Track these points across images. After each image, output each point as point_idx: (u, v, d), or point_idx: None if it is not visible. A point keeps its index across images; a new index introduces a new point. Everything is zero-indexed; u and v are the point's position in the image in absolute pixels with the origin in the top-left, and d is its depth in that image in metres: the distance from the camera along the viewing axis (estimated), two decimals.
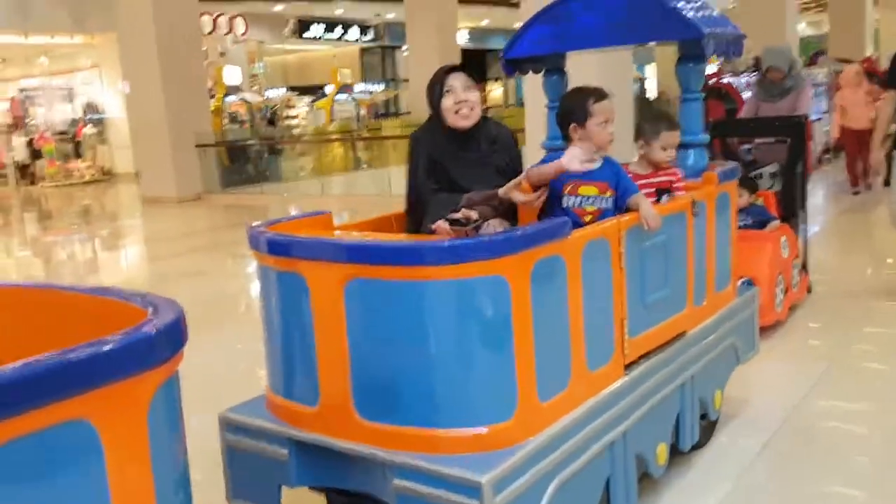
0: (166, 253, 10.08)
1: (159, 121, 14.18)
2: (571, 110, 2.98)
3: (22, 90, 22.12)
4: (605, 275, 2.70)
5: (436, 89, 3.00)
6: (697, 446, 3.34)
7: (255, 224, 2.62)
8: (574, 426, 2.50)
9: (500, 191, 2.84)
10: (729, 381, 3.62)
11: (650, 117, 3.43)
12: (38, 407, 1.26)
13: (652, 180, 3.29)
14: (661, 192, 3.25)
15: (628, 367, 2.82)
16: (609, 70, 8.76)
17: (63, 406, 1.29)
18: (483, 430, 2.31)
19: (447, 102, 2.98)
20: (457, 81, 2.99)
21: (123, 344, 1.39)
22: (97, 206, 16.41)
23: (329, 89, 22.57)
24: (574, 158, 2.67)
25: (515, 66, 3.73)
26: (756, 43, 9.43)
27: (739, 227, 5.09)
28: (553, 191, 2.86)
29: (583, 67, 4.23)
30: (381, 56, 28.25)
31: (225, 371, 4.84)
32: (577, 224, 2.75)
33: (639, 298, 2.86)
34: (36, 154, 20.23)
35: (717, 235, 3.41)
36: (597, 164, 2.88)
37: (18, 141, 20.73)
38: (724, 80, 12.21)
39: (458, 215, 2.74)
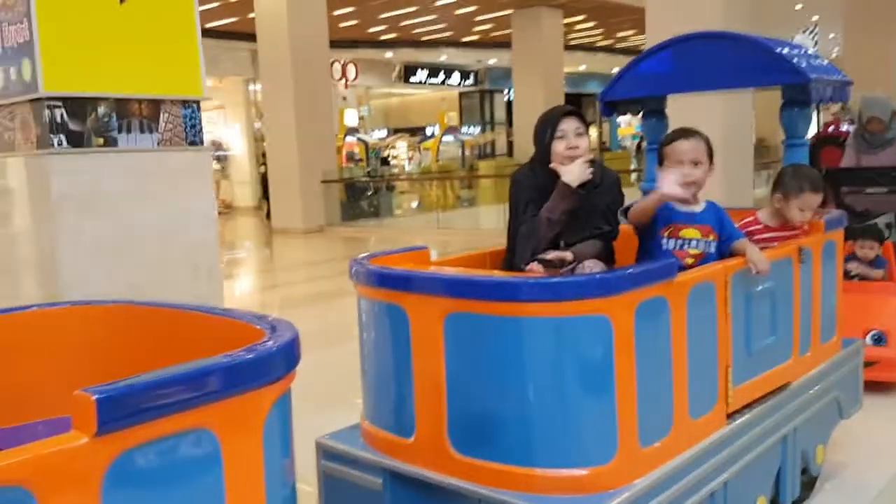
0: (296, 279, 11.07)
1: (292, 159, 15.34)
2: (656, 155, 2.96)
3: None
4: (711, 319, 2.65)
5: (547, 131, 2.97)
6: (797, 502, 3.23)
7: (357, 257, 2.66)
8: (675, 474, 2.44)
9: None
10: (835, 437, 3.49)
11: (795, 173, 3.33)
12: (165, 414, 1.36)
13: (778, 234, 3.23)
14: None
15: (731, 416, 2.75)
16: (731, 112, 8.40)
17: (188, 415, 1.39)
18: (581, 472, 2.27)
19: (559, 147, 2.94)
20: (570, 126, 2.94)
21: (244, 360, 1.48)
22: (230, 235, 17.49)
23: (435, 130, 24.36)
24: (672, 183, 2.64)
25: (614, 107, 3.72)
26: (861, 91, 9.24)
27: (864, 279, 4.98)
28: (650, 233, 2.83)
29: (706, 109, 4.16)
30: (479, 99, 29.26)
31: (324, 391, 4.85)
32: (679, 268, 2.71)
33: (744, 346, 2.79)
34: None
35: (823, 284, 3.31)
36: (699, 207, 2.83)
37: None
38: (843, 129, 11.92)
39: (550, 256, 2.73)
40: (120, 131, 4.28)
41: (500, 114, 28.32)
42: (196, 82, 4.56)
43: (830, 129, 11.55)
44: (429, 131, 25.11)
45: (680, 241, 2.80)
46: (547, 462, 2.28)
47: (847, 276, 5.04)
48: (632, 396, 2.32)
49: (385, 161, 22.68)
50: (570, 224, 2.90)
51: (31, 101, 4.12)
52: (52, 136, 4.14)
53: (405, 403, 2.48)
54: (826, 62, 3.56)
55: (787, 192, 3.20)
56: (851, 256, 5.14)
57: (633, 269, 2.42)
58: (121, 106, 4.26)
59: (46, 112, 4.12)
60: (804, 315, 3.15)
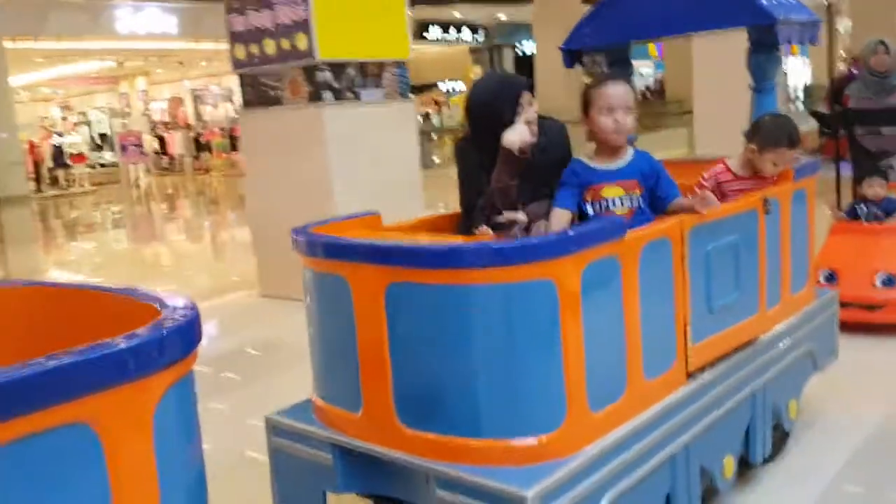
0: None
1: None
2: (582, 103, 2.85)
3: (193, 90, 23.79)
4: (666, 278, 2.60)
5: (506, 108, 2.87)
6: (770, 459, 3.22)
7: (298, 227, 2.61)
8: (630, 437, 2.41)
9: None
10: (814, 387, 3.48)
11: (775, 125, 3.26)
12: (31, 411, 1.23)
13: (749, 184, 3.17)
14: None
15: (692, 375, 2.73)
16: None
17: (61, 409, 1.26)
18: (529, 440, 2.23)
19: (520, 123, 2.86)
20: (526, 98, 2.89)
21: (124, 347, 1.34)
22: None
23: (456, 86, 27.12)
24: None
25: (577, 57, 3.65)
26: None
27: (871, 221, 4.95)
28: (570, 192, 2.77)
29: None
30: (489, 55, 29.51)
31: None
32: None
33: (704, 303, 2.75)
34: (200, 147, 21.91)
35: (792, 235, 3.26)
36: (621, 162, 2.76)
37: (178, 136, 22.82)
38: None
39: (503, 218, 2.68)
40: (362, 87, 6.60)
41: (508, 68, 29.28)
42: (404, 47, 6.93)
43: (854, 71, 11.47)
44: (442, 87, 26.94)
45: (604, 202, 2.73)
46: (494, 432, 2.24)
47: (856, 216, 5.02)
48: (579, 361, 2.27)
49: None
50: (522, 185, 2.84)
51: (304, 66, 6.41)
52: (322, 92, 6.42)
53: (351, 378, 2.44)
54: (795, 0, 3.47)
55: (764, 144, 3.14)
56: (861, 200, 5.11)
57: (580, 229, 2.36)
58: (361, 67, 6.57)
59: (318, 74, 6.40)
60: (771, 268, 3.10)
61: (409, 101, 7.07)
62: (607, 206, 2.73)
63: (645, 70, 34.18)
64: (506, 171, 2.75)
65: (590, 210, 2.75)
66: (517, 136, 2.74)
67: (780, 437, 3.32)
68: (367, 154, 6.50)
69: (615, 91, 2.73)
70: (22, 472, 1.25)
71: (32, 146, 20.79)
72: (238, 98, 7.73)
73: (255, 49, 6.77)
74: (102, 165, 23.06)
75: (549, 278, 2.21)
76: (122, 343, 1.34)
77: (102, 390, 1.31)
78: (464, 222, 2.96)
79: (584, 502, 2.25)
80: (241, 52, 6.94)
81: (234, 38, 6.94)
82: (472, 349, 2.24)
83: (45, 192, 20.48)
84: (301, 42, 6.36)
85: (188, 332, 1.49)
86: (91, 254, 12.16)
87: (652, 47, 30.96)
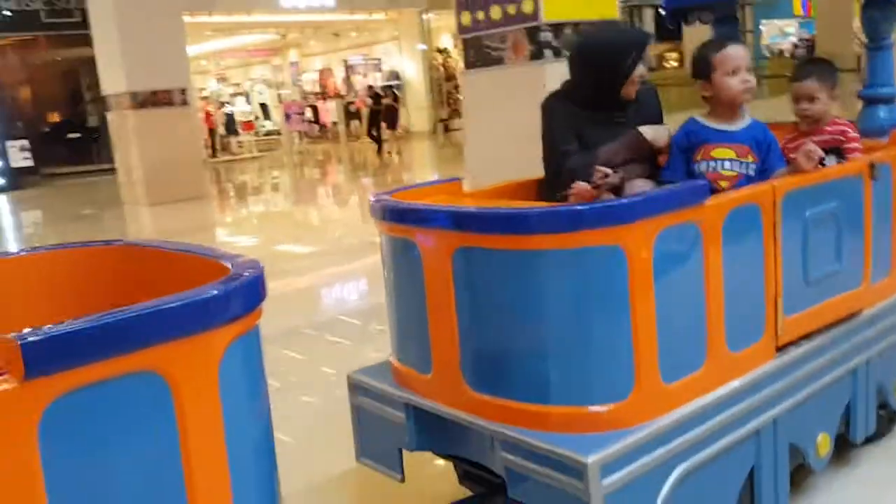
0: None
1: None
2: (695, 68, 2.64)
3: (345, 61, 24.64)
4: (755, 246, 2.37)
5: (631, 55, 2.70)
6: (873, 439, 2.93)
7: (376, 194, 2.53)
8: (707, 410, 2.22)
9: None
10: None
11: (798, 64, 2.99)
12: (103, 358, 1.29)
13: (814, 139, 2.88)
14: (829, 152, 2.83)
15: (783, 348, 2.50)
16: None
17: (130, 358, 1.31)
18: (595, 408, 2.08)
19: (636, 73, 2.70)
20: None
21: (188, 301, 1.38)
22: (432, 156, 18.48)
23: None
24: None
25: (681, 16, 3.39)
26: None
27: None
28: (681, 158, 2.58)
29: None
30: (629, 14, 28.72)
31: None
32: (711, 191, 2.45)
33: (799, 273, 2.50)
34: (350, 115, 22.43)
35: None
36: (740, 125, 2.54)
37: (329, 105, 23.51)
38: None
39: (598, 176, 2.52)
40: None
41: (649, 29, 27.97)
42: (612, 7, 7.12)
43: None
44: None
45: (712, 163, 2.52)
46: (558, 399, 2.10)
47: None
48: (650, 330, 2.10)
49: None
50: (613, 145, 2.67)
51: (527, 28, 6.98)
52: (543, 50, 7.00)
53: (422, 341, 2.36)
54: None
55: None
56: None
57: (650, 194, 2.18)
58: (576, 27, 6.94)
59: (541, 34, 6.99)
60: (879, 238, 2.80)
61: None
62: (716, 167, 2.53)
63: (788, 29, 32.23)
64: (622, 153, 2.60)
65: (697, 168, 2.56)
66: (666, 133, 2.63)
67: (889, 418, 3.01)
68: None
69: (737, 52, 2.58)
70: (95, 416, 1.30)
71: (208, 115, 21.66)
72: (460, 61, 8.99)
73: (480, 15, 7.49)
74: (266, 134, 23.84)
75: (618, 244, 2.05)
76: (187, 298, 1.38)
77: (169, 341, 1.35)
78: (547, 187, 2.81)
79: (653, 473, 2.10)
80: (466, 18, 7.65)
81: (461, 6, 7.72)
82: (536, 315, 2.11)
83: (219, 158, 21.34)
84: (527, 6, 7.13)
85: (251, 290, 1.51)
86: (254, 215, 12.65)
87: (797, 4, 29.14)
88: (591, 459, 1.96)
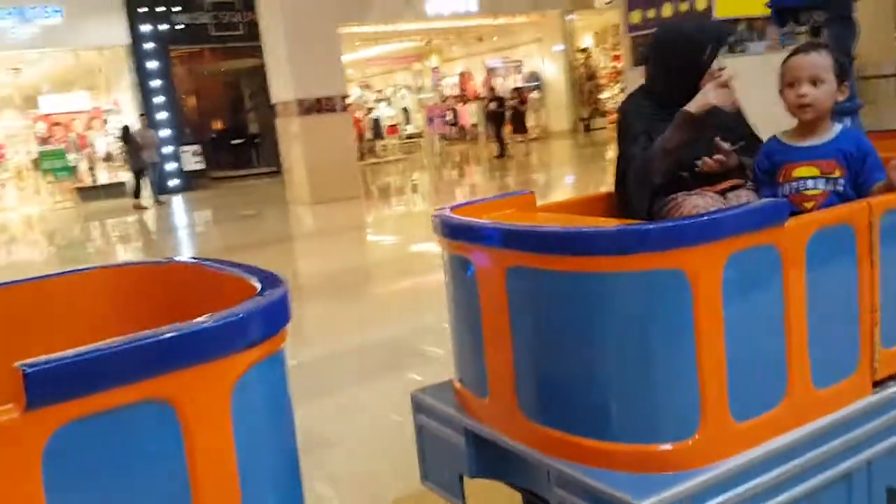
0: None
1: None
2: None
3: (486, 64, 24.85)
4: (847, 270, 2.09)
5: (707, 48, 2.51)
6: None
7: (442, 208, 2.39)
8: (785, 451, 1.96)
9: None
10: None
11: None
12: (109, 388, 1.23)
13: None
14: None
15: (881, 383, 2.19)
16: None
17: (137, 387, 1.25)
18: (654, 447, 1.88)
19: (720, 74, 2.50)
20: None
21: (196, 329, 1.30)
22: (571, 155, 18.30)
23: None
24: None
25: (789, 15, 3.07)
26: None
27: None
28: (766, 182, 2.32)
29: None
30: None
31: None
32: (796, 213, 2.18)
33: None
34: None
35: None
36: (822, 138, 2.25)
37: (469, 108, 23.66)
38: None
39: (725, 146, 2.43)
40: (749, 41, 7.34)
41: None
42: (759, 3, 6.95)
43: None
44: None
45: (794, 184, 2.25)
46: (615, 435, 1.91)
47: None
48: (719, 364, 1.87)
49: None
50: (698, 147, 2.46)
51: None
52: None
53: (479, 363, 2.21)
54: None
55: None
56: None
57: (720, 214, 1.94)
58: (749, 23, 7.29)
59: None
60: None
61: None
62: (799, 188, 2.26)
63: None
64: (676, 135, 2.38)
65: (781, 193, 2.30)
66: (715, 94, 2.40)
67: None
68: (752, 101, 7.40)
69: (798, 62, 2.28)
70: (100, 445, 1.25)
71: (357, 120, 22.15)
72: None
73: (651, 13, 7.82)
74: (409, 137, 24.14)
75: (681, 268, 1.83)
76: (195, 325, 1.31)
77: (176, 370, 1.28)
78: (618, 198, 2.61)
79: None
80: (636, 16, 8.06)
81: (631, 5, 8.12)
82: (590, 343, 1.93)
83: (366, 161, 21.79)
84: (700, 3, 7.29)
85: (269, 315, 1.43)
86: (396, 214, 12.85)
87: None
88: (646, 503, 1.76)
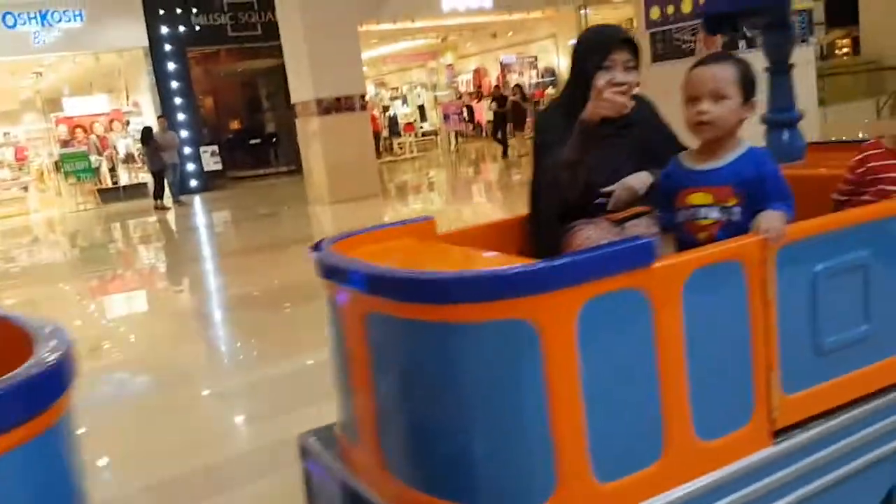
0: None
1: None
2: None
3: (500, 61, 24.52)
4: (737, 312, 1.86)
5: (593, 58, 2.35)
6: None
7: (321, 240, 2.18)
8: None
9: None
10: None
11: None
12: None
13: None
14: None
15: (783, 432, 1.96)
16: None
17: None
18: None
19: (601, 80, 2.31)
20: (621, 56, 2.32)
21: None
22: None
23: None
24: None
25: (724, 23, 2.83)
26: None
27: None
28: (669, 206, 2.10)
29: None
30: None
31: None
32: (693, 244, 1.96)
33: (805, 341, 1.97)
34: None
35: None
36: (720, 161, 2.02)
37: (484, 105, 22.86)
38: None
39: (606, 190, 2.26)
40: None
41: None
42: None
43: None
44: None
45: (689, 211, 2.02)
46: (467, 497, 1.72)
47: None
48: (575, 420, 1.67)
49: None
50: (602, 171, 2.25)
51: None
52: (737, 41, 7.04)
53: (349, 407, 2.03)
54: None
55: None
56: None
57: (571, 257, 1.72)
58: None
59: None
60: None
61: (809, 46, 7.72)
62: (693, 215, 2.04)
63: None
64: (578, 145, 2.18)
65: (678, 219, 2.08)
66: (605, 101, 2.19)
67: None
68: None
69: (698, 76, 2.06)
70: None
71: (373, 118, 22.00)
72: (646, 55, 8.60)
73: (670, 9, 7.70)
74: (424, 134, 23.93)
75: (527, 319, 1.62)
76: None
77: None
78: (532, 218, 2.41)
79: None
80: (655, 13, 7.91)
81: (649, 2, 7.96)
82: (440, 399, 1.74)
83: (384, 158, 21.62)
84: (686, 6, 7.44)
85: (30, 394, 1.17)
86: (415, 212, 12.69)
87: None
88: None
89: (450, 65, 25.91)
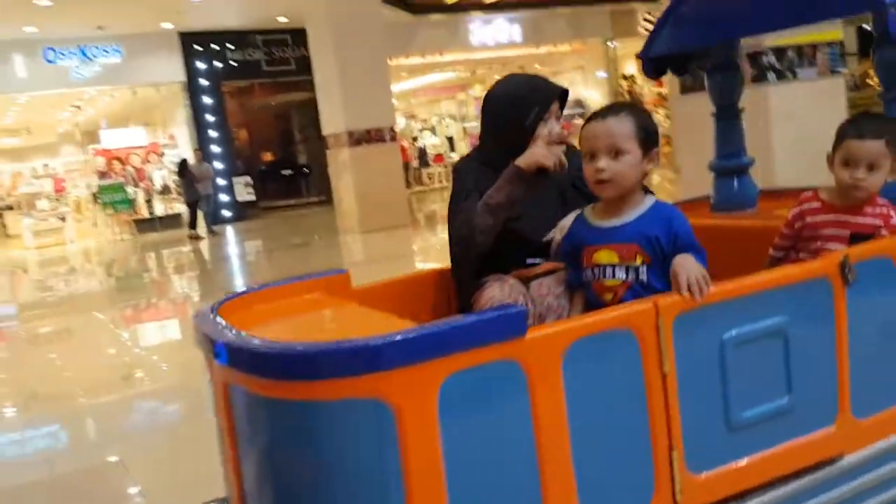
0: None
1: None
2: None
3: None
4: (630, 384, 1.69)
5: (534, 110, 2.22)
6: None
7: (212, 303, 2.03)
8: None
9: None
10: None
11: (851, 119, 2.18)
12: None
13: (840, 218, 2.10)
14: (858, 239, 2.06)
15: None
16: None
17: None
18: None
19: (543, 130, 2.19)
20: (556, 108, 2.22)
21: None
22: None
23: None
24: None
25: (665, 65, 2.67)
26: None
27: None
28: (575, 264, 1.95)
29: None
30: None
31: None
32: (600, 306, 1.80)
33: (714, 415, 1.78)
34: None
35: None
36: (624, 218, 1.86)
37: None
38: None
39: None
40: (799, 67, 7.14)
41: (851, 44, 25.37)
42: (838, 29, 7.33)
43: None
44: None
45: (596, 270, 1.86)
46: None
47: None
48: None
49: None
50: (530, 218, 2.12)
51: (750, 52, 6.95)
52: (767, 73, 7.06)
53: (230, 482, 1.89)
54: None
55: (833, 146, 2.07)
56: None
57: (430, 328, 1.56)
58: (799, 50, 7.10)
59: (763, 58, 7.06)
60: (862, 359, 1.98)
61: (839, 77, 7.64)
62: (599, 275, 1.88)
63: None
64: (504, 190, 2.05)
65: (585, 279, 1.93)
66: (541, 151, 2.06)
67: None
68: (803, 127, 6.74)
69: (592, 131, 1.90)
70: None
71: (403, 149, 22.01)
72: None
73: None
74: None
75: (379, 397, 1.48)
76: None
77: None
78: (453, 269, 2.28)
79: None
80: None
81: None
82: (298, 483, 1.58)
83: (413, 189, 21.60)
84: None
85: None
86: (443, 241, 12.61)
87: None
88: None
89: (478, 97, 25.88)
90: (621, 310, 1.70)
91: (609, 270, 1.85)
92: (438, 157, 22.79)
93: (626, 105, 1.92)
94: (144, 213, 19.16)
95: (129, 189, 18.96)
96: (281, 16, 17.96)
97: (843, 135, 2.06)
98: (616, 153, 1.84)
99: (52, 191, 20.53)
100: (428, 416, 1.49)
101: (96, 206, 19.11)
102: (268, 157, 23.86)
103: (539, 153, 2.10)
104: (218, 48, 19.22)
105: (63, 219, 18.95)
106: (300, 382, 1.50)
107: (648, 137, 1.87)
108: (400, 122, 24.22)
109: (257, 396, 1.58)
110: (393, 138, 13.98)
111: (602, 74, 22.65)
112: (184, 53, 18.76)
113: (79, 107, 20.55)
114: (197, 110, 19.02)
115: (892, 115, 2.17)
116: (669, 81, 10.62)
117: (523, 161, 2.10)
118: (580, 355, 1.62)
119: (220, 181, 18.61)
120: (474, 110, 25.34)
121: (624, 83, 22.97)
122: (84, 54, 17.83)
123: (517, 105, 2.21)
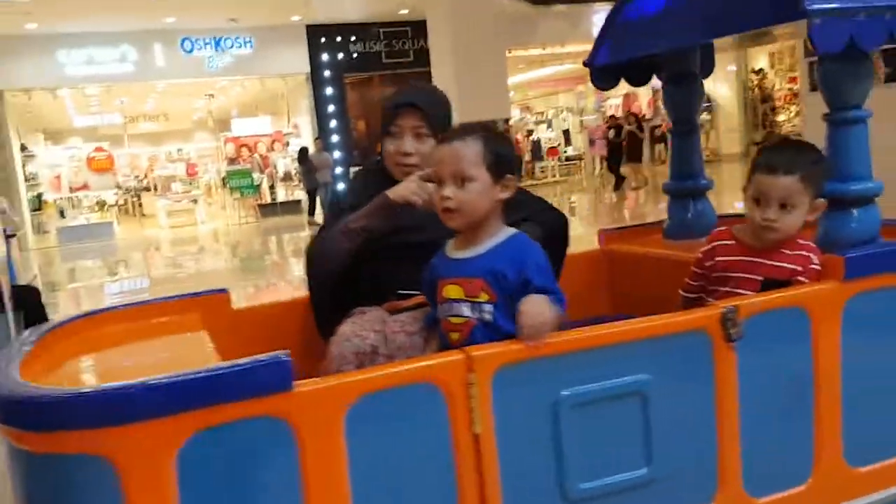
0: None
1: None
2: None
3: (653, 86, 23.76)
4: (433, 447, 1.44)
5: (382, 123, 2.03)
6: None
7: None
8: None
9: None
10: None
11: (765, 149, 1.85)
12: None
13: (758, 260, 1.77)
14: (773, 285, 1.73)
15: None
16: None
17: None
18: None
19: (389, 147, 1.99)
20: (408, 122, 1.97)
21: None
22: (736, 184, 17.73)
23: None
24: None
25: (611, 75, 2.34)
26: None
27: None
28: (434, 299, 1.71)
29: None
30: None
31: None
32: (447, 347, 1.57)
33: (549, 486, 1.51)
34: (655, 139, 20.75)
35: (848, 367, 1.70)
36: (477, 249, 1.60)
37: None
38: None
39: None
40: None
41: None
42: None
43: None
44: None
45: (446, 306, 1.62)
46: None
47: None
48: None
49: None
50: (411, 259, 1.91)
51: (884, 49, 6.58)
52: None
53: None
54: None
55: (747, 177, 1.73)
56: None
57: (169, 377, 1.35)
58: None
59: None
60: (762, 426, 1.63)
61: None
62: (448, 312, 1.65)
63: None
64: (369, 218, 1.88)
65: (439, 315, 1.70)
66: (407, 188, 1.90)
67: None
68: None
69: (438, 156, 1.68)
70: None
71: (517, 141, 21.69)
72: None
73: None
74: (568, 159, 23.29)
75: (105, 455, 1.30)
76: None
77: None
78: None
79: None
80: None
81: None
82: None
83: (525, 182, 21.26)
84: None
85: None
86: None
87: None
88: None
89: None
90: (422, 361, 1.46)
91: (456, 307, 1.61)
92: (553, 151, 22.32)
93: (477, 127, 1.67)
94: (268, 199, 19.76)
95: (255, 175, 19.59)
96: (403, 7, 18.02)
97: (754, 166, 1.72)
98: (462, 180, 1.60)
99: (185, 174, 21.49)
100: (161, 481, 1.30)
101: (224, 190, 19.85)
102: (379, 148, 24.08)
103: (409, 188, 1.88)
104: (341, 40, 19.52)
105: (195, 201, 19.82)
106: (39, 434, 1.34)
107: (500, 163, 1.61)
108: (515, 114, 23.88)
109: (10, 446, 1.43)
110: (506, 131, 13.90)
111: (732, 68, 21.47)
112: (309, 45, 19.16)
113: (212, 95, 21.36)
114: (319, 101, 19.40)
115: (834, 140, 1.80)
116: (801, 76, 9.86)
117: (393, 193, 1.89)
118: (370, 414, 1.39)
119: (338, 170, 18.93)
120: (592, 104, 24.67)
121: (754, 77, 21.72)
122: (218, 45, 18.49)
123: (383, 113, 2.02)
